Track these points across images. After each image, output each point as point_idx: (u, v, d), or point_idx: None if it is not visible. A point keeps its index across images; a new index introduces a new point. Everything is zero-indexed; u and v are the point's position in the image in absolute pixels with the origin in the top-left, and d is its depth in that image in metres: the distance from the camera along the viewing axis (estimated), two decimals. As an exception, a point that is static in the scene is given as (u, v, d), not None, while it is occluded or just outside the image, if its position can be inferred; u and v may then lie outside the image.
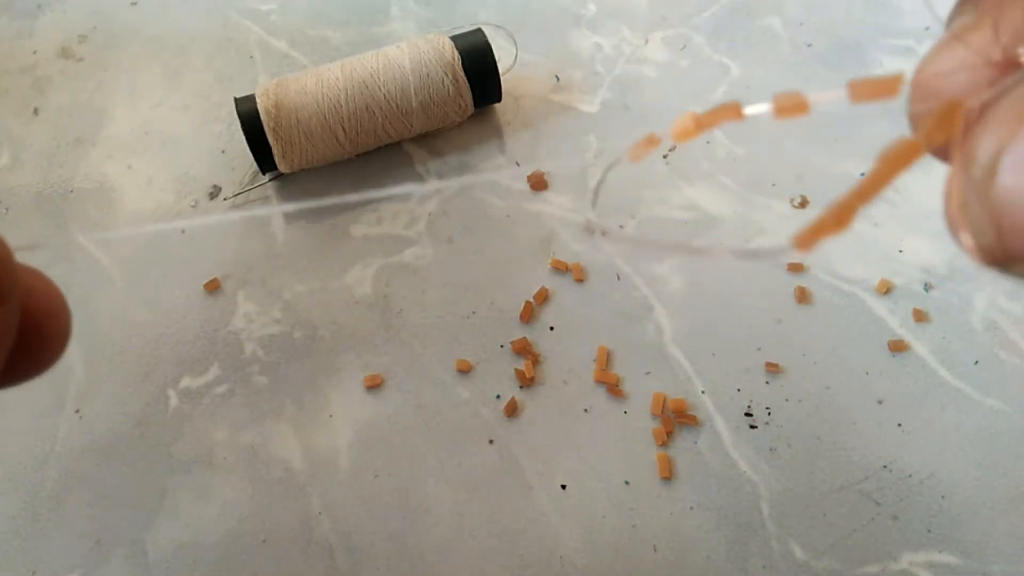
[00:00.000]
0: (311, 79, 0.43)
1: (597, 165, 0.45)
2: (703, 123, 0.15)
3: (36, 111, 0.49)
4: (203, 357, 0.40)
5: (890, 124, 0.44)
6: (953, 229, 0.13)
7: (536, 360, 0.39)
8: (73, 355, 0.40)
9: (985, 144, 0.12)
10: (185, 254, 0.43)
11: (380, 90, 0.42)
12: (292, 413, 0.38)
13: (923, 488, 0.35)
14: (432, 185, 0.45)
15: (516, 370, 0.39)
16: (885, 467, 0.36)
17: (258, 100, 0.42)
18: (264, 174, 0.45)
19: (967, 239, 0.13)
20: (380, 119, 0.43)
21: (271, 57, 0.51)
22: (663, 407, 0.37)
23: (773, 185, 0.43)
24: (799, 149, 0.45)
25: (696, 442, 0.37)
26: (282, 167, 0.43)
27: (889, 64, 0.47)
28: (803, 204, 0.43)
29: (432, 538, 0.35)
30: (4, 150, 0.48)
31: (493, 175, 0.45)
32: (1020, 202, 0.12)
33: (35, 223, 0.45)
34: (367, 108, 0.42)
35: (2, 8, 0.54)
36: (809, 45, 0.48)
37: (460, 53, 0.43)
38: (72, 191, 0.46)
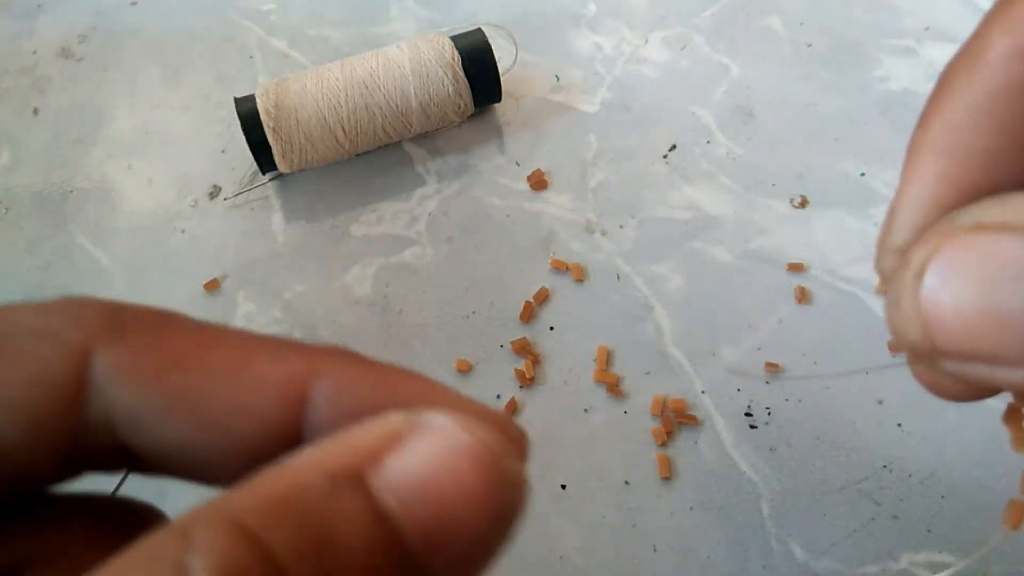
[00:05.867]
0: (311, 79, 0.43)
1: (597, 165, 0.45)
2: None
3: (36, 111, 0.49)
4: (203, 357, 0.40)
5: (889, 125, 0.44)
6: (890, 328, 0.15)
7: (536, 360, 0.39)
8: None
9: (917, 254, 0.14)
10: (185, 254, 0.43)
11: (380, 90, 0.42)
12: (292, 413, 0.38)
13: (923, 488, 0.35)
14: (432, 185, 0.45)
15: (516, 370, 0.39)
16: (885, 467, 0.36)
17: (258, 100, 0.42)
18: (264, 174, 0.45)
19: (901, 336, 0.15)
20: (380, 119, 0.43)
21: (271, 57, 0.51)
22: (663, 407, 0.37)
23: (773, 185, 0.43)
24: (799, 149, 0.45)
25: (696, 442, 0.37)
26: (282, 167, 0.43)
27: (889, 64, 0.47)
28: (803, 204, 0.43)
29: (432, 538, 0.35)
30: (4, 150, 0.48)
31: (493, 175, 0.45)
32: (940, 302, 0.14)
33: (35, 223, 0.45)
34: (367, 108, 0.42)
35: (2, 8, 0.54)
36: (809, 45, 0.48)
37: (460, 53, 0.43)
38: (72, 191, 0.46)
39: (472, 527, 0.12)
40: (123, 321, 0.14)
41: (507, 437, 0.13)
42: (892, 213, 0.16)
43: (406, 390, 0.15)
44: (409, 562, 0.12)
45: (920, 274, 0.14)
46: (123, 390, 0.14)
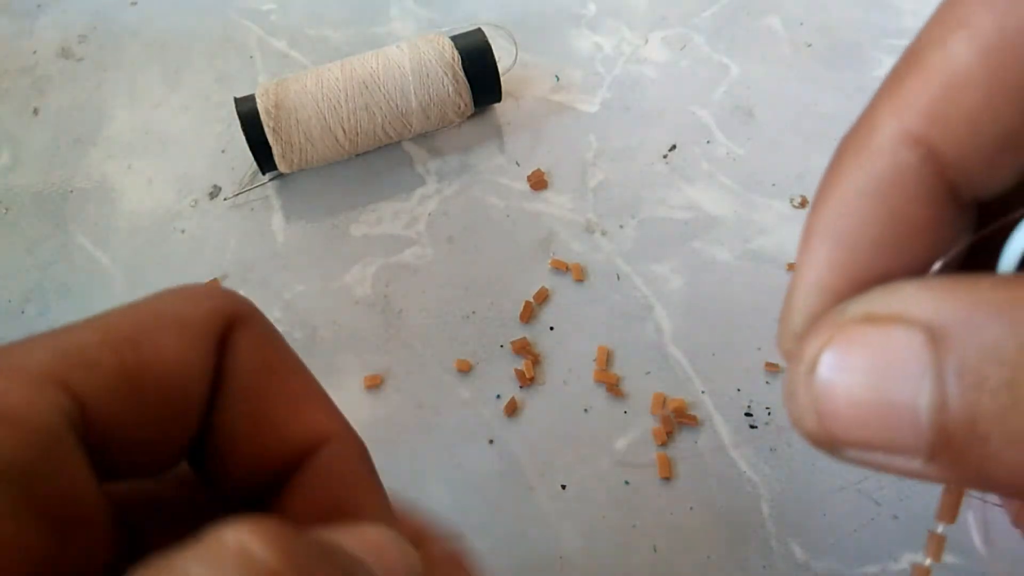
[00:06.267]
0: (311, 79, 0.43)
1: (597, 165, 0.45)
2: None
3: (36, 111, 0.49)
4: (203, 357, 0.40)
5: (890, 124, 0.44)
6: (788, 416, 0.16)
7: (536, 360, 0.39)
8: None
9: (810, 346, 0.15)
10: (185, 254, 0.43)
11: (380, 90, 0.42)
12: (292, 413, 0.38)
13: (923, 488, 0.35)
14: (432, 185, 0.45)
15: (516, 370, 0.39)
16: (885, 467, 0.36)
17: (258, 100, 0.42)
18: (264, 174, 0.45)
19: (799, 425, 0.15)
20: (380, 119, 0.43)
21: (271, 57, 0.51)
22: (663, 407, 0.37)
23: (773, 185, 0.43)
24: (799, 149, 0.45)
25: (696, 442, 0.37)
26: (282, 167, 0.43)
27: (889, 64, 0.47)
28: (803, 204, 0.43)
29: (432, 538, 0.35)
30: (4, 150, 0.48)
31: (493, 175, 0.45)
32: (834, 394, 0.14)
33: (35, 223, 0.45)
34: (367, 108, 0.42)
35: (2, 8, 0.54)
36: (809, 45, 0.48)
37: (460, 53, 0.43)
38: (72, 191, 0.46)
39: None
40: (250, 313, 0.17)
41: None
42: (788, 298, 0.17)
43: (367, 499, 0.17)
44: None
45: (813, 367, 0.14)
46: (240, 368, 0.16)
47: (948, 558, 0.34)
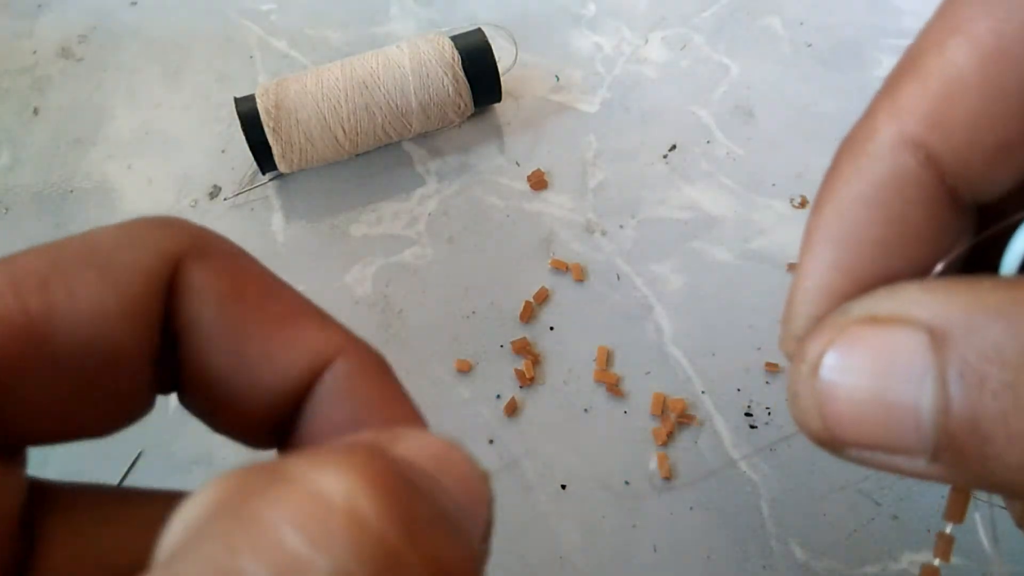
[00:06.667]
0: (311, 79, 0.43)
1: (597, 165, 0.45)
2: None
3: (36, 111, 0.49)
4: (203, 357, 0.40)
5: (890, 124, 0.44)
6: (792, 417, 0.16)
7: (536, 360, 0.39)
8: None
9: (812, 347, 0.15)
10: (185, 254, 0.43)
11: (380, 90, 0.42)
12: (292, 413, 0.38)
13: (923, 488, 0.35)
14: (432, 185, 0.45)
15: (516, 370, 0.39)
16: (885, 467, 0.36)
17: (258, 100, 0.42)
18: (264, 174, 0.45)
19: (802, 426, 0.15)
20: (380, 119, 0.43)
21: (271, 57, 0.51)
22: (663, 407, 0.37)
23: (773, 185, 0.43)
24: (799, 149, 0.45)
25: (696, 442, 0.37)
26: (282, 167, 0.43)
27: (889, 64, 0.47)
28: (803, 204, 0.43)
29: (432, 538, 0.35)
30: (4, 150, 0.48)
31: (493, 175, 0.45)
32: (837, 395, 0.14)
33: (35, 223, 0.45)
34: (367, 108, 0.42)
35: (2, 8, 0.54)
36: (809, 45, 0.48)
37: (460, 53, 0.43)
38: (72, 191, 0.46)
39: (482, 496, 0.13)
40: (208, 243, 0.15)
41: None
42: (790, 300, 0.17)
43: (395, 412, 0.16)
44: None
45: (815, 368, 0.14)
46: (201, 305, 0.15)
47: (954, 558, 0.34)
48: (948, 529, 0.17)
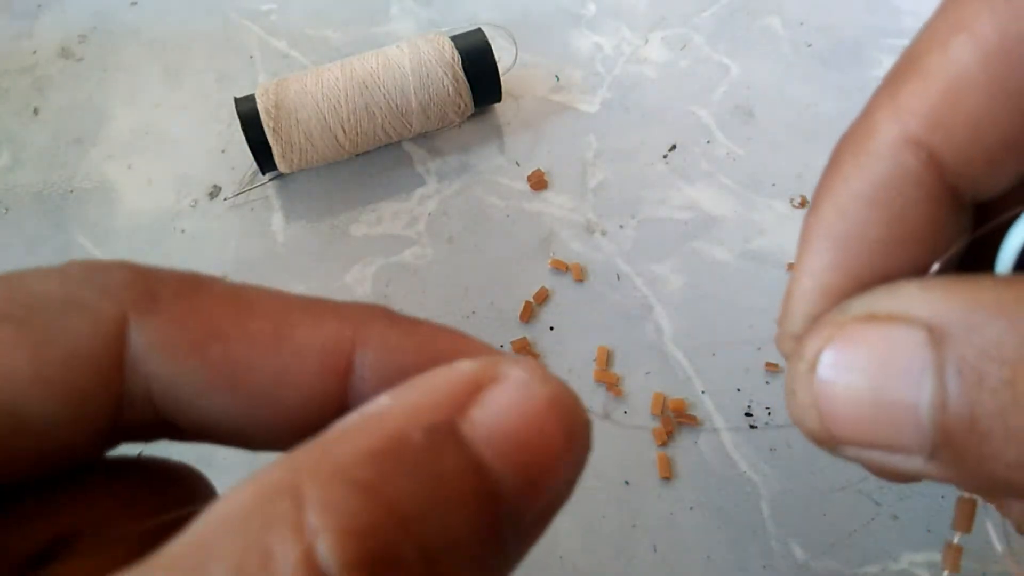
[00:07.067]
0: (311, 79, 0.43)
1: (597, 165, 0.45)
2: None
3: (36, 111, 0.49)
4: (203, 357, 0.40)
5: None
6: (789, 415, 0.16)
7: (536, 360, 0.39)
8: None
9: (810, 345, 0.15)
10: (185, 254, 0.43)
11: (380, 90, 0.42)
12: (292, 413, 0.38)
13: (923, 488, 0.35)
14: (432, 185, 0.45)
15: (516, 370, 0.39)
16: (885, 467, 0.36)
17: (258, 100, 0.42)
18: (264, 174, 0.45)
19: (800, 423, 0.15)
20: (380, 119, 0.43)
21: (271, 57, 0.51)
22: (663, 407, 0.37)
23: (773, 185, 0.43)
24: (799, 149, 0.45)
25: (696, 442, 0.37)
26: (282, 167, 0.43)
27: (889, 64, 0.47)
28: (803, 204, 0.43)
29: (432, 538, 0.35)
30: (4, 150, 0.48)
31: (493, 175, 0.45)
32: (834, 393, 0.14)
33: (35, 223, 0.45)
34: (367, 108, 0.42)
35: (2, 8, 0.54)
36: (809, 45, 0.48)
37: (460, 53, 0.43)
38: (72, 191, 0.46)
39: (557, 476, 0.13)
40: (155, 289, 0.14)
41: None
42: (787, 298, 0.17)
43: (449, 349, 0.15)
44: (505, 512, 0.12)
45: (813, 365, 0.14)
46: (161, 364, 0.14)
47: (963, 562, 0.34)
48: (956, 539, 0.16)
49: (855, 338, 0.14)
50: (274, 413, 0.14)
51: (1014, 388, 0.12)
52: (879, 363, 0.14)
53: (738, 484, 0.36)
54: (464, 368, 0.13)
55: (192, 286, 0.14)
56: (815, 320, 0.16)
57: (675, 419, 0.37)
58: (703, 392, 0.38)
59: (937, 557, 0.34)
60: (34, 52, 0.52)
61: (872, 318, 0.14)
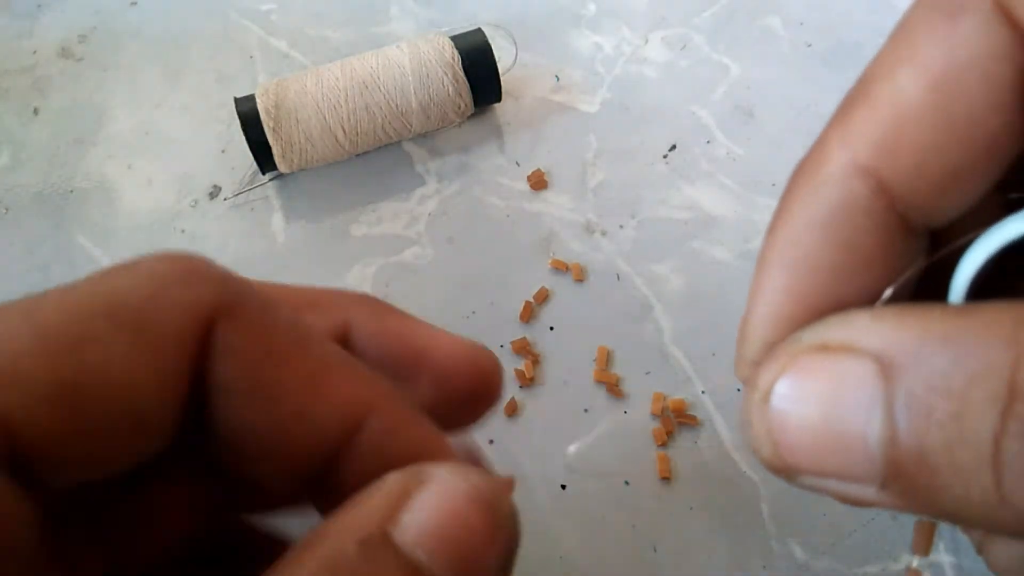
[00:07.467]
0: (311, 79, 0.43)
1: (597, 165, 0.45)
2: None
3: (36, 111, 0.49)
4: (203, 357, 0.40)
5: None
6: (748, 443, 0.16)
7: (536, 360, 0.39)
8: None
9: (764, 376, 0.15)
10: (185, 254, 0.43)
11: (380, 90, 0.42)
12: (292, 413, 0.38)
13: (923, 488, 0.35)
14: (432, 185, 0.45)
15: (516, 370, 0.39)
16: (885, 467, 0.36)
17: (258, 100, 0.42)
18: (264, 174, 0.45)
19: (755, 451, 0.15)
20: (380, 119, 0.43)
21: (271, 57, 0.51)
22: (663, 407, 0.37)
23: (773, 185, 0.43)
24: (799, 149, 0.44)
25: (696, 442, 0.37)
26: (282, 167, 0.43)
27: (889, 64, 0.47)
28: (803, 204, 0.43)
29: (432, 538, 0.35)
30: (4, 150, 0.48)
31: (493, 175, 0.45)
32: (787, 423, 0.14)
33: (35, 223, 0.45)
34: (367, 108, 0.42)
35: (2, 8, 0.54)
36: (809, 45, 0.48)
37: (460, 53, 0.43)
38: (72, 191, 0.46)
39: (488, 563, 0.13)
40: (236, 296, 0.15)
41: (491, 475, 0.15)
42: (744, 324, 0.17)
43: (435, 444, 0.16)
44: None
45: (767, 396, 0.15)
46: (233, 368, 0.14)
47: (946, 557, 0.34)
48: (915, 563, 0.16)
49: (807, 369, 0.14)
50: (289, 442, 0.15)
51: (960, 422, 0.12)
52: (830, 395, 0.14)
53: (738, 484, 0.36)
54: (393, 477, 0.14)
55: (267, 305, 0.16)
56: (770, 347, 0.15)
57: (675, 419, 0.37)
58: (703, 392, 0.38)
59: (937, 557, 0.34)
60: (34, 52, 0.52)
61: (824, 349, 0.14)
